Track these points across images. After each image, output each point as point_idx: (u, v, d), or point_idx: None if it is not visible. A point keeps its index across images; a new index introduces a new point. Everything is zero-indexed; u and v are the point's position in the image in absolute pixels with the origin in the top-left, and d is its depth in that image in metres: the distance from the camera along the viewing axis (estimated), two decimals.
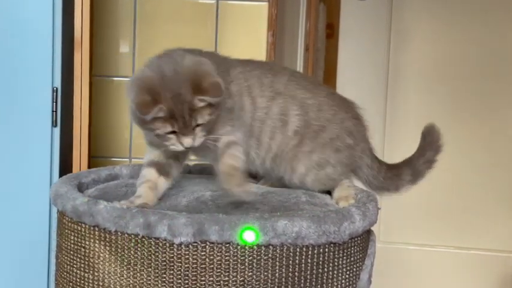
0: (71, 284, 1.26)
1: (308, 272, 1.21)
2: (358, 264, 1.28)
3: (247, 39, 2.10)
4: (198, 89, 1.22)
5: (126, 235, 1.19)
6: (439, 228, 3.04)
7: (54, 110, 1.73)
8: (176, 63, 1.26)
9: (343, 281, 1.25)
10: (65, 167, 1.77)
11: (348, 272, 1.26)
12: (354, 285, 1.27)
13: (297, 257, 1.20)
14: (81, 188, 1.39)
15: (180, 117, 1.22)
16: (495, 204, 3.00)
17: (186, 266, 1.17)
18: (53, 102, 1.73)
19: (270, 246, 1.18)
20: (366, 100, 3.03)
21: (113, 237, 1.19)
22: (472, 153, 3.00)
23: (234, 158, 1.27)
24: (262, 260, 1.18)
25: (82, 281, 1.23)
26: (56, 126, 1.74)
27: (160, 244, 1.17)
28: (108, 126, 2.15)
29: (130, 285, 1.19)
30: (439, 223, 3.03)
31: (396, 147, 3.03)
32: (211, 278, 1.17)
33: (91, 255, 1.22)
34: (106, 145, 2.15)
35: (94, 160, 2.08)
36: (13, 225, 1.74)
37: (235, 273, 1.17)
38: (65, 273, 1.27)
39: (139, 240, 1.18)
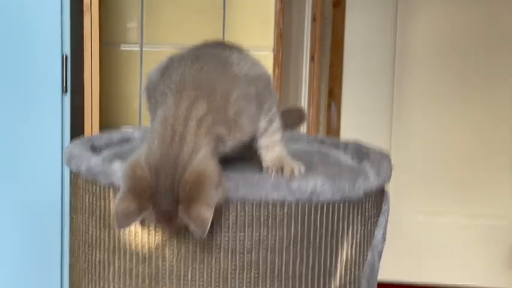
0: (86, 244, 1.26)
1: (323, 229, 1.21)
2: (372, 221, 1.28)
3: (255, 12, 2.09)
4: (185, 212, 1.08)
5: None
6: (448, 196, 3.04)
7: (64, 76, 1.73)
8: (176, 167, 1.07)
9: (358, 238, 1.25)
10: (76, 133, 1.77)
11: (362, 229, 1.26)
12: (369, 243, 1.28)
13: (312, 214, 1.20)
14: (93, 151, 1.39)
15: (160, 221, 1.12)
16: (505, 172, 3.00)
17: None
18: (62, 69, 1.73)
19: (285, 204, 1.18)
20: (374, 69, 3.04)
21: None
22: (482, 122, 3.00)
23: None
24: (277, 217, 1.18)
25: (98, 240, 1.24)
26: (66, 93, 1.74)
27: None
28: (117, 96, 2.15)
29: (146, 244, 1.19)
30: (448, 191, 3.03)
31: (404, 116, 3.03)
32: (226, 235, 1.17)
33: (107, 215, 1.22)
34: (115, 115, 2.16)
35: (103, 130, 2.08)
36: (26, 193, 1.75)
37: (250, 230, 1.17)
38: (81, 234, 1.28)
39: None
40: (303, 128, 2.48)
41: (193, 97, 1.12)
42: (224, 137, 1.14)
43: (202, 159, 1.09)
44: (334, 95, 3.06)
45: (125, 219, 1.09)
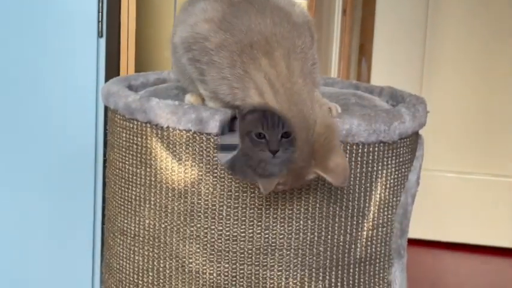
0: (123, 180, 1.28)
1: (358, 170, 1.22)
2: (407, 165, 1.29)
3: None
4: (321, 165, 1.10)
5: (178, 131, 1.20)
6: (478, 155, 3.02)
7: (100, 20, 1.73)
8: (307, 121, 1.09)
9: (391, 181, 1.26)
10: (111, 77, 1.78)
11: (396, 172, 1.26)
12: (402, 186, 1.28)
13: (347, 155, 1.20)
14: (130, 90, 1.40)
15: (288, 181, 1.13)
16: None
17: None
18: (98, 12, 1.73)
19: None
20: (405, 25, 3.00)
21: (165, 133, 1.21)
22: None
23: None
24: None
25: (134, 177, 1.26)
26: (101, 36, 1.74)
27: (212, 140, 1.18)
28: (150, 45, 2.15)
29: (182, 181, 1.21)
30: (478, 149, 3.02)
31: (435, 74, 3.00)
32: None
33: (143, 152, 1.24)
34: (147, 63, 2.16)
35: None
36: (61, 133, 1.77)
37: None
38: (117, 170, 1.29)
39: (191, 136, 1.19)
40: None
41: (284, 55, 1.13)
42: None
43: (322, 110, 1.12)
44: (364, 50, 3.04)
45: (269, 183, 1.10)
